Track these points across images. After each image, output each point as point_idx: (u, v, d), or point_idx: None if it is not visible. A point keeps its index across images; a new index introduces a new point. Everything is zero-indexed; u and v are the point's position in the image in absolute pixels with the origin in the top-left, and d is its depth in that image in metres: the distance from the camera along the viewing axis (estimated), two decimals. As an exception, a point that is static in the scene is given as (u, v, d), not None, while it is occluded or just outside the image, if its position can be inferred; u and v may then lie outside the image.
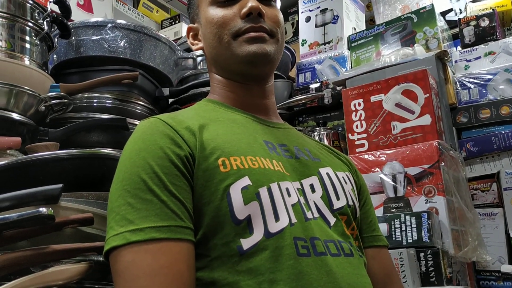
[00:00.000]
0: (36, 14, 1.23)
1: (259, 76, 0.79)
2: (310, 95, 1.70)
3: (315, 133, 1.60)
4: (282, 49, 0.80)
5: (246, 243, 0.59)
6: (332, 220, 0.69)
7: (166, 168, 0.60)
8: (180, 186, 0.60)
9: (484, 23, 1.61)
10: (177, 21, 2.24)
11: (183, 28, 2.20)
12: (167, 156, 0.61)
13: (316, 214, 0.68)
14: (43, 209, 0.62)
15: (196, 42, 0.84)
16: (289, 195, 0.65)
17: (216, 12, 0.76)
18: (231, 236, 0.60)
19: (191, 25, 0.86)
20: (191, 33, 0.85)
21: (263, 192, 0.62)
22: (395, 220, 1.15)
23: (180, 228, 0.58)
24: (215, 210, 0.60)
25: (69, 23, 1.32)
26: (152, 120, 0.68)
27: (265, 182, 0.63)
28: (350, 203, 0.74)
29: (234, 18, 0.75)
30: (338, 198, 0.73)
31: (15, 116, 1.09)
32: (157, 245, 0.56)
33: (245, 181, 0.62)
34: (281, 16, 0.80)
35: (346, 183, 0.77)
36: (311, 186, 0.71)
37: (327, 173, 0.75)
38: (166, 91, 1.48)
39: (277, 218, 0.62)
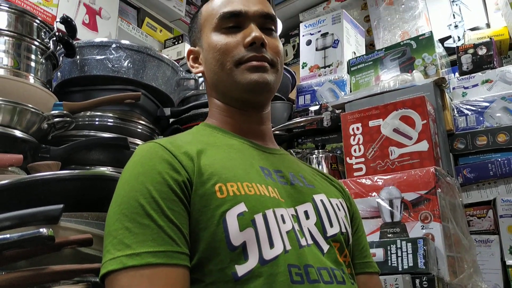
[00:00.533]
0: (42, 33, 1.25)
1: (258, 103, 0.81)
2: (309, 118, 1.72)
3: (314, 156, 1.61)
4: (281, 78, 0.82)
5: (241, 269, 0.60)
6: (325, 247, 0.70)
7: (164, 193, 0.61)
8: (177, 211, 0.61)
9: (482, 51, 1.64)
10: (180, 41, 2.27)
11: (185, 48, 2.23)
12: (165, 181, 0.62)
13: (310, 241, 0.69)
14: (43, 230, 0.63)
15: (196, 65, 0.86)
16: (283, 221, 0.66)
17: (220, 39, 0.78)
18: (227, 262, 0.60)
19: (192, 48, 0.88)
20: (191, 56, 0.87)
21: (259, 219, 0.63)
22: (391, 245, 1.15)
23: (176, 254, 0.58)
24: (211, 235, 0.61)
25: (74, 42, 1.34)
26: (151, 145, 0.69)
27: (260, 209, 0.64)
28: (343, 230, 0.76)
29: (238, 46, 0.77)
30: (331, 225, 0.74)
31: (18, 133, 1.11)
32: (153, 270, 0.56)
33: (241, 207, 0.63)
34: (281, 46, 0.83)
35: (339, 210, 0.78)
36: (305, 212, 0.72)
37: (321, 200, 0.76)
38: (167, 111, 1.50)
39: (271, 245, 0.63)
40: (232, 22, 0.79)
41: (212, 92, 0.84)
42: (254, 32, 0.76)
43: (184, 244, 0.60)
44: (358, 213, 0.88)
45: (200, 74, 1.63)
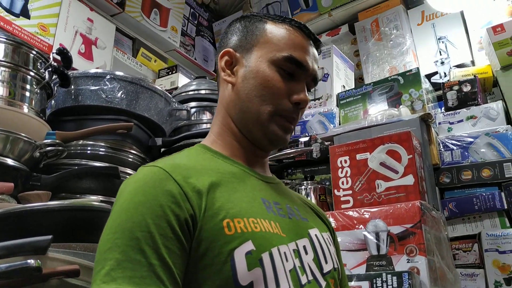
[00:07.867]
0: (38, 64, 1.28)
1: (269, 150, 0.84)
2: (299, 149, 1.75)
3: (303, 187, 1.63)
4: None
5: None
6: (323, 283, 0.71)
7: (162, 229, 0.59)
8: (172, 250, 0.59)
9: (466, 88, 1.69)
10: (173, 71, 2.31)
11: (179, 78, 2.27)
12: (165, 216, 0.60)
13: (310, 277, 0.69)
14: (31, 261, 0.64)
15: (229, 72, 0.81)
16: (286, 260, 0.67)
17: (274, 77, 0.77)
18: None
19: (231, 50, 0.81)
20: (226, 58, 0.81)
21: (266, 258, 0.64)
22: (377, 278, 1.16)
23: None
24: (217, 273, 0.60)
25: (69, 72, 1.37)
26: (155, 170, 0.66)
27: (267, 247, 0.65)
28: (336, 266, 0.77)
29: (286, 97, 0.77)
30: (326, 262, 0.75)
31: (10, 161, 1.12)
32: None
33: (249, 245, 0.63)
34: None
35: (330, 245, 0.79)
36: (304, 248, 0.73)
37: (316, 235, 0.77)
38: (159, 141, 1.51)
39: (277, 285, 0.63)
40: (293, 69, 0.77)
41: (232, 112, 0.80)
42: (304, 93, 0.78)
43: (172, 285, 0.58)
44: (338, 244, 0.90)
45: (192, 105, 1.63)
